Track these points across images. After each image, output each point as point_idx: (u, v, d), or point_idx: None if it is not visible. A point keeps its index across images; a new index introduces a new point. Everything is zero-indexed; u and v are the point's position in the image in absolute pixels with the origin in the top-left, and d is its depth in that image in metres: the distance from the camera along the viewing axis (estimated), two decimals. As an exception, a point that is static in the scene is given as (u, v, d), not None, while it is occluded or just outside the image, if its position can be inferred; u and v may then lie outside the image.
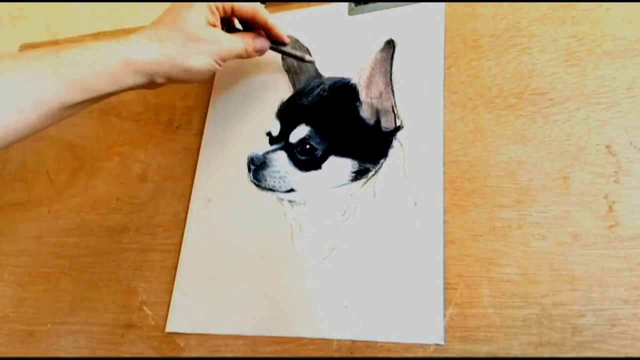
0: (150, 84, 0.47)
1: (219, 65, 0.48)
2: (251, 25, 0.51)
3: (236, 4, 0.49)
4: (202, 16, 0.46)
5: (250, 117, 0.55)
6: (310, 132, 0.50)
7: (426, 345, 0.41)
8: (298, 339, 0.45)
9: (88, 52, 0.44)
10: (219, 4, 0.48)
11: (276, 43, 0.52)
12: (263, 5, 0.51)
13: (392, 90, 0.50)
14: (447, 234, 0.44)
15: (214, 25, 0.47)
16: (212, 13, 0.47)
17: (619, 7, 0.47)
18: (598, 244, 0.40)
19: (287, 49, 0.53)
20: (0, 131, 0.41)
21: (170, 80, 0.47)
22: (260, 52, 0.51)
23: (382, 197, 0.47)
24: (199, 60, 0.46)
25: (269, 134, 0.53)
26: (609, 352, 0.38)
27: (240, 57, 0.50)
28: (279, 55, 0.56)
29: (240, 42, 0.49)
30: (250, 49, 0.50)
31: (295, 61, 0.55)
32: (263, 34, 0.51)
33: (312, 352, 0.44)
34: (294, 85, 0.55)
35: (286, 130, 0.51)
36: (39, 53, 0.43)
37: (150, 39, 0.45)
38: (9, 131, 0.41)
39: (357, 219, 0.47)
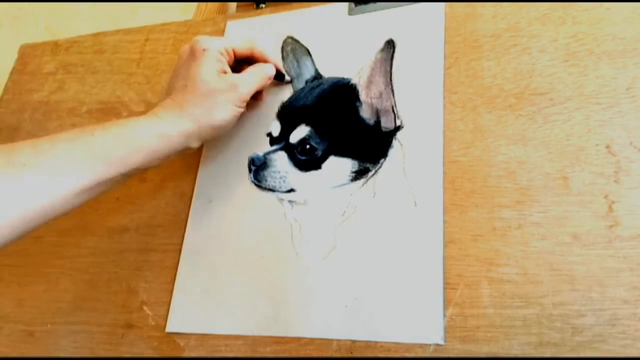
0: (185, 150, 0.47)
1: (243, 107, 0.49)
2: (249, 61, 0.52)
3: (235, 44, 0.50)
4: (212, 68, 0.47)
5: (250, 118, 0.55)
6: (310, 132, 0.50)
7: (426, 345, 0.41)
8: (298, 339, 0.45)
9: (122, 129, 0.44)
10: (223, 48, 0.49)
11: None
12: (252, 39, 0.52)
13: (392, 90, 0.50)
14: (447, 234, 0.44)
15: (225, 72, 0.48)
16: (220, 61, 0.48)
17: (619, 7, 0.47)
18: (598, 244, 0.40)
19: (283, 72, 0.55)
20: (37, 213, 0.40)
21: (204, 140, 0.48)
22: (271, 78, 0.53)
23: (382, 197, 0.47)
24: (223, 113, 0.47)
25: (269, 134, 0.53)
26: (609, 352, 0.38)
27: (260, 89, 0.51)
28: (278, 54, 0.56)
29: (254, 77, 0.50)
30: (266, 78, 0.51)
31: (295, 61, 0.55)
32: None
33: (312, 352, 0.44)
34: (293, 85, 0.55)
35: (286, 130, 0.51)
36: (74, 133, 0.43)
37: (175, 110, 0.46)
38: (47, 211, 0.41)
39: (357, 219, 0.47)
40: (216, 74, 0.47)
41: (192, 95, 0.46)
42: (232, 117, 0.48)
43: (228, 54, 0.49)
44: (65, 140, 0.42)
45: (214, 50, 0.48)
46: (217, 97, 0.46)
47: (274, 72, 0.52)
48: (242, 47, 0.51)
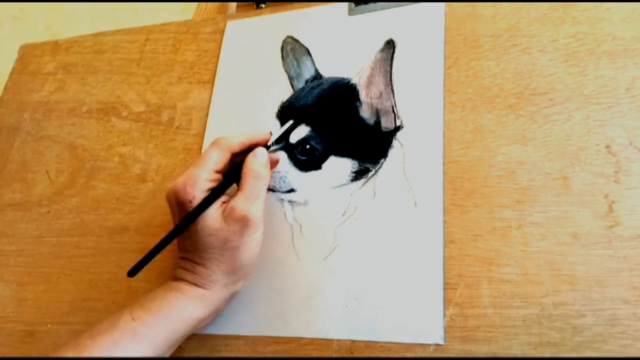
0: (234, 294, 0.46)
1: (262, 225, 0.43)
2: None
3: (213, 164, 0.43)
4: (210, 214, 0.42)
5: (250, 118, 0.55)
6: (310, 132, 0.50)
7: (426, 345, 0.41)
8: (298, 339, 0.45)
9: (166, 318, 0.42)
10: (207, 181, 0.43)
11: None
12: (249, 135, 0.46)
13: (392, 90, 0.50)
14: (447, 234, 0.44)
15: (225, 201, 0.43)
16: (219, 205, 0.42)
17: (619, 7, 0.47)
18: (598, 244, 0.40)
19: (275, 135, 0.48)
20: None
21: (246, 277, 0.46)
22: (274, 160, 0.48)
23: (382, 197, 0.47)
24: (248, 251, 0.43)
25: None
26: (609, 352, 0.38)
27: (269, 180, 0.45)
28: (279, 56, 0.57)
29: (254, 188, 0.43)
30: (269, 170, 0.45)
31: (295, 61, 0.55)
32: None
33: (312, 352, 0.44)
34: (293, 85, 0.55)
35: (286, 130, 0.51)
36: (112, 322, 0.41)
37: (200, 274, 0.43)
38: None
39: (357, 219, 0.47)
40: (217, 219, 0.42)
41: (209, 254, 0.42)
42: (259, 245, 0.43)
43: (213, 179, 0.44)
44: (105, 331, 0.41)
45: (201, 192, 0.42)
46: (233, 241, 0.42)
47: (265, 154, 0.45)
48: (222, 159, 0.44)
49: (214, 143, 0.45)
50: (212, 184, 0.43)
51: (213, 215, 0.42)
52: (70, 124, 0.64)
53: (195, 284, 0.43)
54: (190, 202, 0.42)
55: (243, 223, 0.41)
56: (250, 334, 0.46)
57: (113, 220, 0.56)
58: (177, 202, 0.43)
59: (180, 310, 0.42)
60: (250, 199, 0.42)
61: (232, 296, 0.45)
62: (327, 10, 0.57)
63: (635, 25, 0.46)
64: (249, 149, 0.45)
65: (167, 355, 0.43)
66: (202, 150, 0.56)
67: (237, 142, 0.45)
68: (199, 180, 0.42)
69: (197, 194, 0.42)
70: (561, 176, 0.43)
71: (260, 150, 0.45)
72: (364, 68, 0.51)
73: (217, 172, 0.44)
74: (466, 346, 0.41)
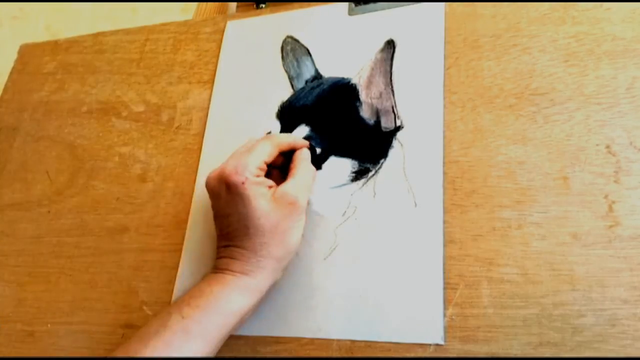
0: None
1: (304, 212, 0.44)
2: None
3: (265, 156, 0.44)
4: (262, 199, 0.42)
5: (250, 118, 0.55)
6: (310, 132, 0.50)
7: (426, 345, 0.41)
8: (298, 339, 0.45)
9: (216, 313, 0.41)
10: (256, 169, 0.43)
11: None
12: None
13: (392, 90, 0.50)
14: (447, 234, 0.44)
15: (271, 187, 0.43)
16: (262, 183, 0.43)
17: (619, 7, 0.47)
18: (598, 244, 0.40)
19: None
20: None
21: (287, 266, 0.45)
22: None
23: (382, 197, 0.47)
24: (295, 236, 0.43)
25: (269, 134, 0.53)
26: (609, 352, 0.38)
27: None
28: (279, 56, 0.57)
29: (303, 179, 0.45)
30: (311, 167, 0.46)
31: (295, 61, 0.55)
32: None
33: (312, 352, 0.44)
34: (293, 85, 0.55)
35: (286, 130, 0.51)
36: (163, 321, 0.41)
37: (252, 260, 0.43)
38: None
39: (357, 219, 0.47)
40: (269, 202, 0.42)
41: (260, 238, 0.42)
42: (301, 233, 0.44)
43: (262, 169, 0.44)
44: (155, 334, 0.40)
45: (252, 177, 0.42)
46: (283, 224, 0.42)
47: (309, 153, 0.47)
48: (272, 154, 0.45)
49: (266, 138, 0.46)
50: (260, 173, 0.43)
51: (266, 198, 0.42)
52: (70, 124, 0.64)
53: (242, 273, 0.42)
54: (243, 183, 0.42)
55: (293, 207, 0.42)
56: (250, 334, 0.46)
57: (113, 220, 0.56)
58: (227, 185, 0.42)
59: (228, 302, 0.42)
60: (300, 186, 0.43)
61: (273, 286, 0.44)
62: (327, 10, 0.57)
63: (635, 25, 0.46)
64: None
65: (215, 353, 0.42)
66: (202, 151, 0.56)
67: (286, 142, 0.46)
68: (250, 165, 0.42)
69: (250, 177, 0.42)
70: (561, 176, 0.43)
71: (307, 151, 0.47)
72: (364, 68, 0.51)
73: (266, 163, 0.44)
74: (466, 346, 0.41)
